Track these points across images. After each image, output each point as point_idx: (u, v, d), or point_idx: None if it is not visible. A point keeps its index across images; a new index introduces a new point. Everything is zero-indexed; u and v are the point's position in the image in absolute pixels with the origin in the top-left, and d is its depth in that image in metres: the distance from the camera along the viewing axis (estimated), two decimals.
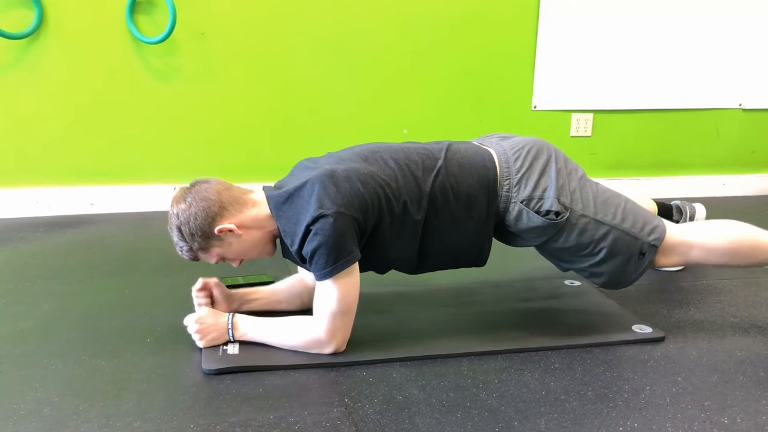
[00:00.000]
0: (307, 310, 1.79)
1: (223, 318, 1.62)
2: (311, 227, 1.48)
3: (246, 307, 1.77)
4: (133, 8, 2.78)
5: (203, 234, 1.56)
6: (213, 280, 1.74)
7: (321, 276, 1.51)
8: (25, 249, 2.48)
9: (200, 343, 1.60)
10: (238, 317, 1.62)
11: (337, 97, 3.08)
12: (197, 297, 1.72)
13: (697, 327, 1.81)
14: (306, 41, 2.99)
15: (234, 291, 1.78)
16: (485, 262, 1.75)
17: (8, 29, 2.67)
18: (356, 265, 1.54)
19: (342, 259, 1.49)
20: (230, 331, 1.60)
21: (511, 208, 1.65)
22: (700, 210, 2.22)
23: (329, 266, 1.49)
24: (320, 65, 3.03)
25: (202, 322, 1.60)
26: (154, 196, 2.96)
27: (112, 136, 2.91)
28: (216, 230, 1.56)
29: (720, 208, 3.19)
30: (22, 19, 2.70)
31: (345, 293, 1.52)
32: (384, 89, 3.12)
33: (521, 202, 1.63)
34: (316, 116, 3.08)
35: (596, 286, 1.80)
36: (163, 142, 2.96)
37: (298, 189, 1.55)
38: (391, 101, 3.14)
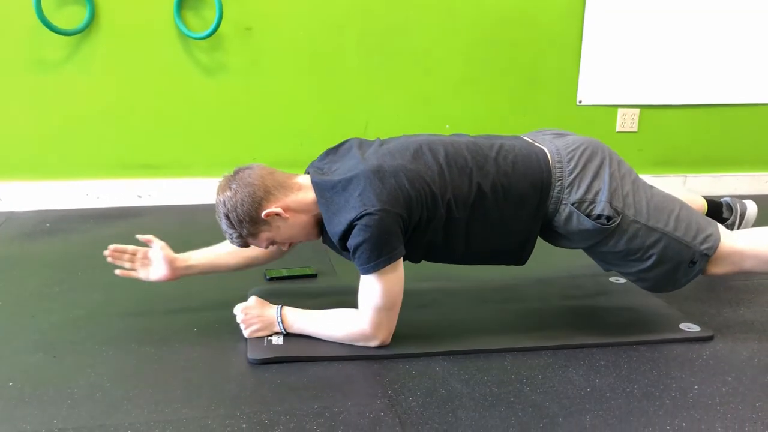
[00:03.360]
0: (340, 301, 1.80)
1: (271, 310, 1.64)
2: (356, 223, 1.49)
3: (190, 272, 1.81)
4: (181, 4, 2.83)
5: (251, 219, 1.58)
6: (160, 243, 1.78)
7: (364, 270, 1.52)
8: (76, 239, 2.55)
9: (245, 333, 1.62)
10: (286, 309, 1.64)
11: (382, 91, 3.09)
12: (113, 255, 1.78)
13: (747, 327, 1.76)
14: (350, 36, 3.00)
15: (174, 255, 1.79)
16: (525, 262, 1.74)
17: (61, 26, 2.74)
18: (401, 261, 1.54)
19: (385, 255, 1.49)
20: (280, 324, 1.62)
21: (561, 210, 1.62)
22: (752, 207, 2.15)
23: (372, 261, 1.49)
24: (365, 60, 3.04)
25: (248, 312, 1.63)
26: (201, 189, 3.01)
27: (159, 130, 2.97)
28: (263, 215, 1.57)
29: None
30: (75, 16, 2.77)
31: (389, 288, 1.53)
32: (428, 84, 3.11)
33: (572, 204, 1.60)
34: (360, 110, 3.09)
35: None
36: (210, 136, 3.01)
37: (345, 181, 1.55)
38: (436, 96, 3.13)
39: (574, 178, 1.61)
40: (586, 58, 3.16)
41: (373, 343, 1.58)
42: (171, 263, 1.78)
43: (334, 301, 1.72)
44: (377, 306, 1.54)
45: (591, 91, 3.21)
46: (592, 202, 1.59)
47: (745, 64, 3.26)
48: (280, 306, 1.65)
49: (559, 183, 1.62)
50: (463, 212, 1.59)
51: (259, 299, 1.67)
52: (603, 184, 1.60)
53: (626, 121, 3.28)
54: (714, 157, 3.42)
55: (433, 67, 3.10)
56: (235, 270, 1.87)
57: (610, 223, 1.59)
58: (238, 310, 1.64)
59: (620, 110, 3.27)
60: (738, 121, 3.37)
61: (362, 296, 1.56)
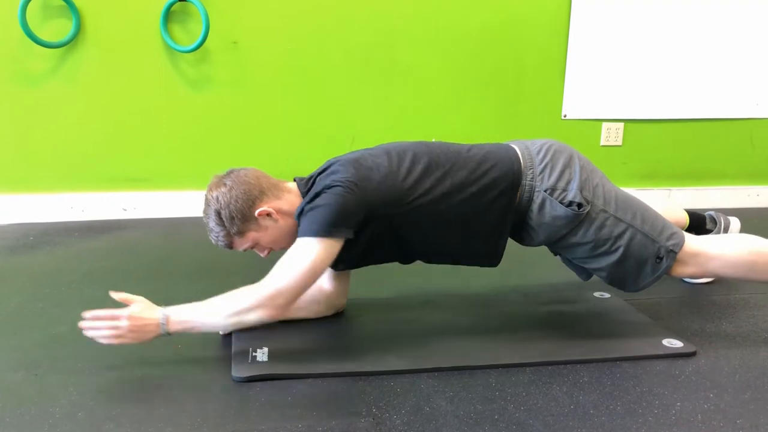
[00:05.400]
0: (325, 318, 1.84)
1: (157, 313, 1.52)
2: (324, 190, 1.54)
3: None
4: (167, 18, 2.83)
5: (243, 216, 1.59)
6: None
7: (309, 230, 1.52)
8: (60, 253, 2.53)
9: (105, 341, 1.51)
10: (170, 310, 1.53)
11: (367, 105, 3.10)
12: None
13: (729, 342, 1.78)
14: (336, 49, 3.01)
15: None
16: (499, 262, 1.76)
17: (47, 38, 2.73)
18: (340, 246, 1.54)
19: (337, 226, 1.51)
20: (163, 326, 1.51)
21: (535, 197, 1.67)
22: (735, 223, 2.18)
23: (322, 225, 1.51)
24: (351, 73, 3.05)
25: (135, 321, 1.50)
26: (186, 202, 3.00)
27: (145, 143, 2.96)
28: (256, 213, 1.59)
29: (754, 219, 3.12)
30: (60, 28, 2.77)
31: (318, 260, 1.51)
32: (414, 98, 3.13)
33: (545, 191, 1.65)
34: (346, 124, 3.10)
35: (611, 287, 1.81)
36: (196, 149, 3.01)
37: (323, 170, 1.64)
38: (422, 109, 3.14)
39: (545, 167, 1.67)
40: (570, 73, 3.19)
41: (261, 313, 1.49)
42: None
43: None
44: (295, 270, 1.49)
45: (575, 105, 3.24)
46: (564, 190, 1.65)
47: (727, 79, 3.30)
48: (165, 315, 1.52)
49: (530, 172, 1.67)
50: (438, 204, 1.62)
51: (146, 303, 1.55)
52: (574, 174, 1.67)
53: (611, 135, 3.30)
54: (697, 170, 3.45)
55: (419, 80, 3.11)
56: (311, 317, 1.83)
57: (581, 209, 1.64)
58: (123, 317, 1.50)
59: (605, 124, 3.29)
60: (721, 135, 3.41)
61: (285, 258, 1.53)
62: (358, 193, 1.54)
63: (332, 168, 1.62)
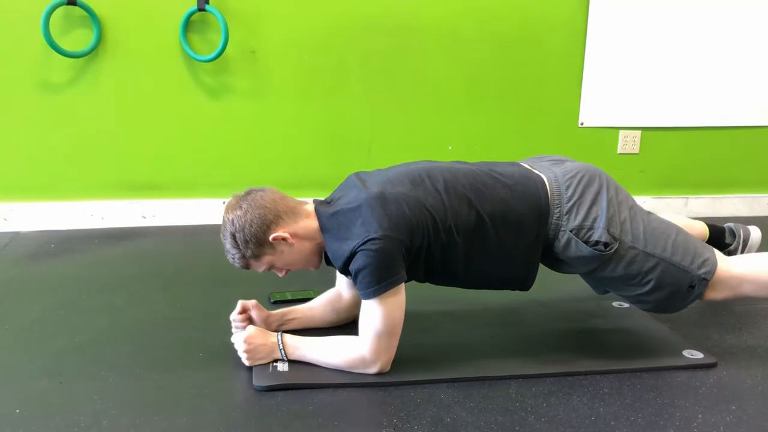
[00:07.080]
0: (341, 326, 1.84)
1: (273, 338, 1.64)
2: (359, 249, 1.51)
3: (284, 327, 1.80)
4: (187, 27, 2.86)
5: (257, 241, 1.59)
6: (252, 302, 1.77)
7: (366, 295, 1.53)
8: (81, 261, 2.56)
9: (247, 363, 1.62)
10: (287, 337, 1.64)
11: (385, 114, 3.11)
12: (235, 321, 1.75)
13: (750, 353, 1.77)
14: (353, 59, 3.03)
15: (272, 312, 1.81)
16: (530, 287, 1.74)
17: (69, 48, 2.77)
18: (402, 287, 1.55)
19: (387, 280, 1.51)
20: (282, 351, 1.62)
21: (560, 236, 1.64)
22: (755, 232, 2.15)
23: (374, 286, 1.51)
24: (368, 83, 3.06)
25: (251, 342, 1.61)
26: (205, 210, 3.02)
27: (164, 151, 2.99)
28: (270, 238, 1.59)
29: None
30: (82, 38, 2.80)
31: (390, 314, 1.53)
32: (431, 106, 3.13)
33: (571, 231, 1.62)
34: (364, 132, 3.11)
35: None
36: (214, 158, 3.03)
37: (348, 210, 1.58)
38: (438, 118, 3.15)
39: (572, 205, 1.64)
40: (587, 81, 3.18)
41: (372, 370, 1.58)
42: (265, 321, 1.77)
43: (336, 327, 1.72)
44: (378, 331, 1.54)
45: (592, 113, 3.23)
46: (590, 228, 1.61)
47: (745, 87, 3.28)
48: (280, 333, 1.65)
49: (557, 210, 1.64)
50: (462, 238, 1.61)
51: (259, 328, 1.67)
52: (601, 210, 1.62)
53: (627, 143, 3.29)
54: (715, 178, 3.43)
55: (436, 89, 3.12)
56: (329, 325, 1.85)
57: (607, 249, 1.60)
58: (239, 340, 1.63)
59: (621, 132, 3.28)
60: (739, 142, 3.38)
61: (363, 321, 1.56)
62: (394, 239, 1.51)
63: (358, 209, 1.56)
